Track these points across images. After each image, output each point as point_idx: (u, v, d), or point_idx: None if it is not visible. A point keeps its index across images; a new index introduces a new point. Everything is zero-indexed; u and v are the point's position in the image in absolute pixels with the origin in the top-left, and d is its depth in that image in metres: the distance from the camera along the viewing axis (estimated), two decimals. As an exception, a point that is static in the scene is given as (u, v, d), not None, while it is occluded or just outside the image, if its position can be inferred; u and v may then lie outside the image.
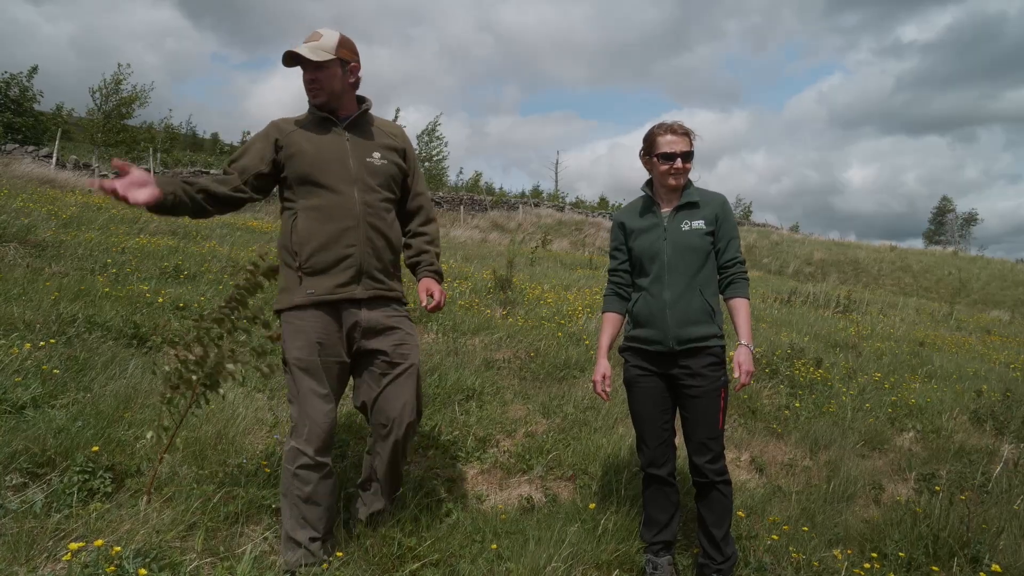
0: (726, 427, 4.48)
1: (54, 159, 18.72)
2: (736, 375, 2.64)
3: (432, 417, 3.95)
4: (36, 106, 23.79)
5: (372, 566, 2.49)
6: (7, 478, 2.58)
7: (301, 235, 2.52)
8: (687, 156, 2.70)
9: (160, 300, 5.23)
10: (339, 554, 2.48)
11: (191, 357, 2.60)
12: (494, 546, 2.66)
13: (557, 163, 61.17)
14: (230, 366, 2.61)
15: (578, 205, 40.06)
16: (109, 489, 2.65)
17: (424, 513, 2.89)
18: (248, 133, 36.74)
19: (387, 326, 2.60)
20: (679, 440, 2.82)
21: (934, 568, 2.93)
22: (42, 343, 3.86)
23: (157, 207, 2.37)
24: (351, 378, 2.68)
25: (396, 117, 33.52)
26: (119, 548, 2.17)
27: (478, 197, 32.59)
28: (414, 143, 2.82)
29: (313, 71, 2.55)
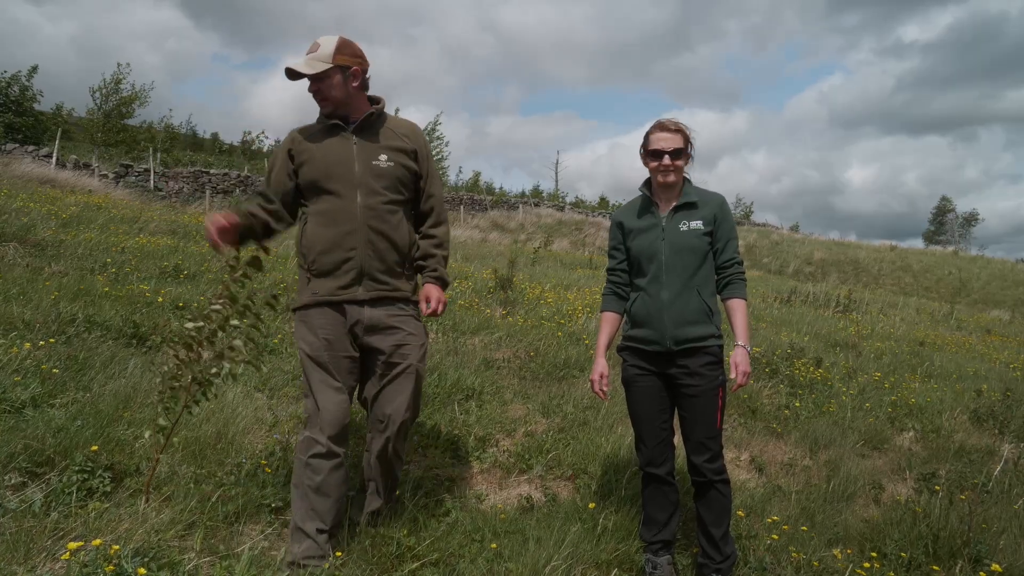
0: (725, 427, 4.50)
1: (54, 159, 18.71)
2: (732, 376, 2.63)
3: (432, 416, 3.95)
4: (36, 106, 23.78)
5: (371, 566, 2.49)
6: (6, 477, 2.57)
7: (308, 239, 2.61)
8: (676, 153, 2.68)
9: (160, 300, 5.24)
10: (338, 554, 2.48)
11: (185, 357, 2.60)
12: (494, 545, 2.66)
13: (557, 163, 61.29)
14: (226, 365, 2.61)
15: (578, 205, 40.06)
16: (108, 488, 2.65)
17: (423, 513, 2.89)
18: (249, 133, 36.70)
19: (388, 325, 2.61)
20: (678, 439, 2.81)
21: (934, 568, 2.92)
22: (42, 342, 3.86)
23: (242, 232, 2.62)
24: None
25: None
26: (118, 547, 2.16)
27: (478, 197, 32.58)
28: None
29: (314, 83, 2.59)
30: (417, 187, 2.75)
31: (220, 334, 2.58)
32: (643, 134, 2.81)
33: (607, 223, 30.91)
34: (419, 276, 2.80)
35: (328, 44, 2.56)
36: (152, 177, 21.71)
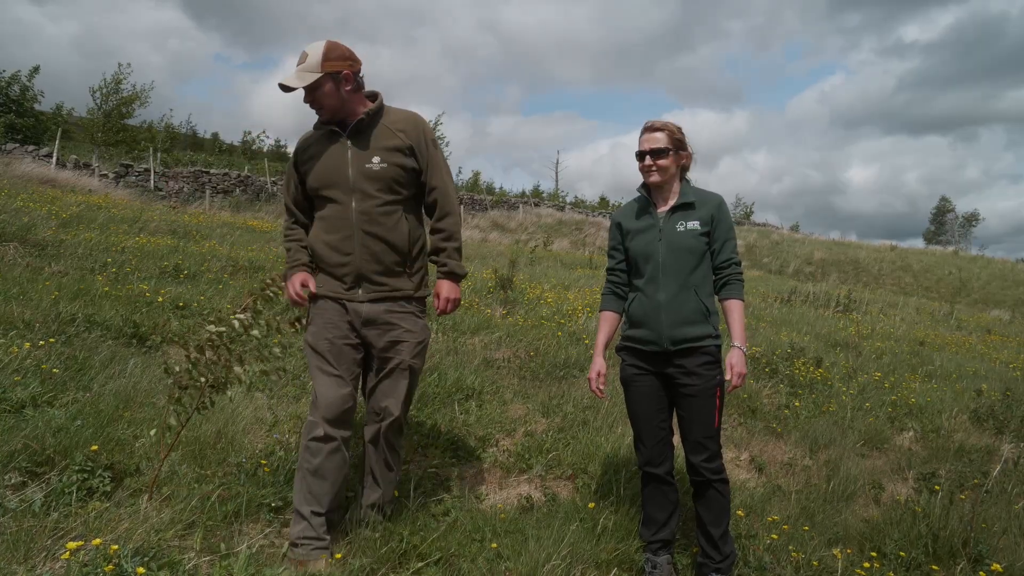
0: (725, 426, 4.50)
1: (54, 159, 18.71)
2: (728, 377, 2.63)
3: (432, 416, 3.95)
4: (36, 106, 23.78)
5: (377, 562, 2.49)
6: (6, 477, 2.57)
7: (312, 244, 2.72)
8: (657, 153, 2.69)
9: (160, 299, 5.23)
10: (338, 556, 2.48)
11: (202, 359, 2.61)
12: (494, 545, 2.66)
13: (557, 163, 61.35)
14: (238, 369, 2.62)
15: (578, 205, 40.05)
16: (108, 488, 2.65)
17: (423, 512, 2.90)
18: (249, 133, 36.72)
19: (385, 321, 2.65)
20: (677, 439, 2.82)
21: (934, 567, 2.92)
22: (41, 342, 3.86)
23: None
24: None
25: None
26: (117, 547, 2.16)
27: (478, 197, 32.56)
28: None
29: (307, 94, 2.60)
30: (418, 182, 2.74)
31: (238, 341, 2.62)
32: None
33: (607, 223, 30.88)
34: (431, 267, 2.83)
35: (315, 53, 2.56)
36: (152, 177, 21.71)
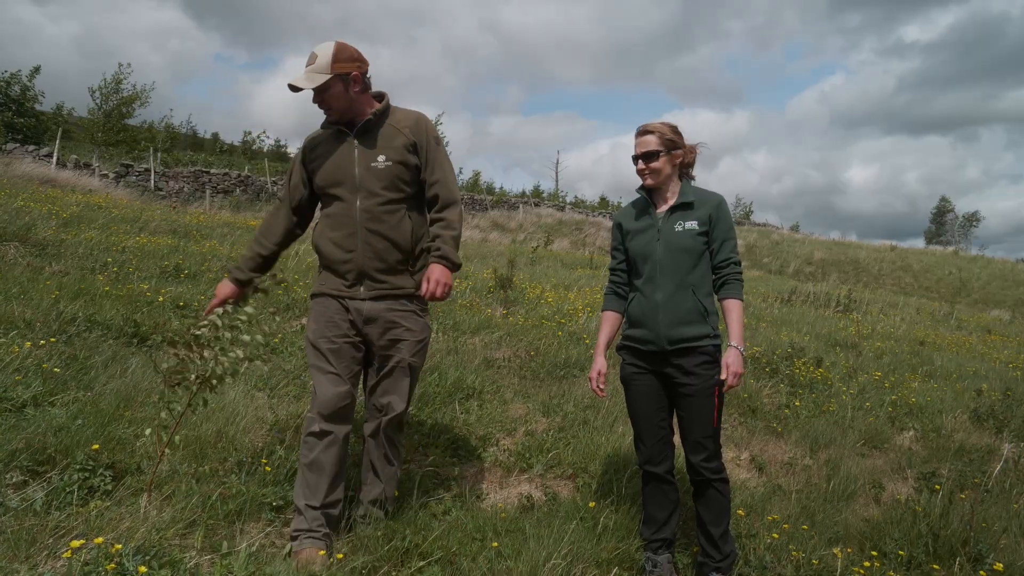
0: (725, 426, 4.50)
1: (54, 159, 18.72)
2: (723, 376, 2.62)
3: (432, 416, 3.95)
4: (37, 106, 23.79)
5: (379, 560, 2.49)
6: (7, 476, 2.58)
7: (317, 242, 2.76)
8: (648, 156, 2.71)
9: (160, 299, 5.24)
10: (339, 556, 2.48)
11: (190, 356, 2.61)
12: (495, 544, 2.67)
13: (557, 163, 61.38)
14: (224, 361, 2.63)
15: (578, 205, 40.06)
16: (109, 487, 2.65)
17: (424, 511, 2.90)
18: (249, 133, 36.76)
19: (386, 319, 2.68)
20: (677, 439, 2.82)
21: (934, 567, 2.93)
22: (42, 342, 3.86)
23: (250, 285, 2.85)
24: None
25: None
26: (119, 546, 2.17)
27: (478, 197, 32.57)
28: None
29: (317, 95, 2.63)
30: (420, 179, 2.76)
31: (226, 335, 2.63)
32: None
33: (607, 223, 30.92)
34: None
35: (325, 54, 2.58)
36: (152, 177, 21.72)
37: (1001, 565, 2.87)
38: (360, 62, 2.65)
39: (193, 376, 2.61)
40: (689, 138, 2.83)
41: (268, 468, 2.99)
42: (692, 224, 2.70)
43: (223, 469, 2.98)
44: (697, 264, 2.70)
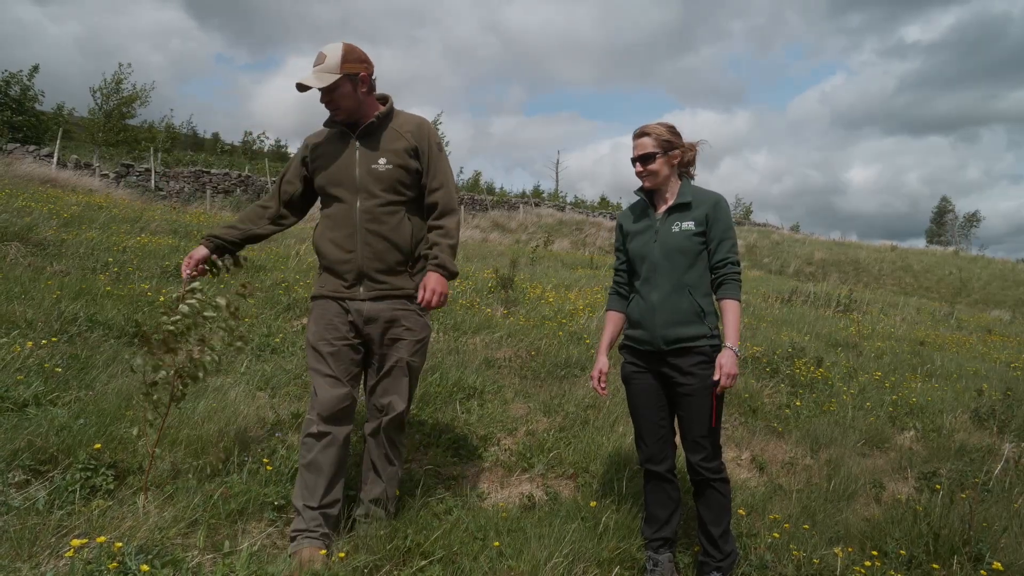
0: (726, 426, 4.51)
1: (55, 159, 18.72)
2: (716, 377, 2.60)
3: (433, 416, 3.96)
4: (37, 106, 23.80)
5: (381, 560, 2.50)
6: (10, 475, 2.58)
7: (317, 242, 2.77)
8: (645, 159, 2.72)
9: (161, 299, 5.24)
10: (340, 555, 2.48)
11: (163, 351, 2.62)
12: (496, 544, 2.67)
13: (558, 163, 61.33)
14: (208, 358, 2.64)
15: (579, 205, 40.06)
16: (111, 486, 2.66)
17: (425, 510, 2.90)
18: (250, 133, 36.80)
19: (386, 319, 2.69)
20: (678, 438, 2.82)
21: (935, 566, 2.93)
22: (44, 341, 3.87)
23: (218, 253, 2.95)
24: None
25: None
26: (121, 544, 2.17)
27: (479, 197, 32.58)
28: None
29: (325, 94, 2.65)
30: (420, 184, 2.78)
31: (194, 328, 2.64)
32: None
33: (607, 223, 30.93)
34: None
35: (334, 54, 2.60)
36: (153, 177, 21.73)
37: (1000, 564, 2.87)
38: (367, 63, 2.69)
39: (172, 372, 2.62)
40: (689, 139, 2.84)
41: (270, 467, 3.00)
42: (689, 225, 2.70)
43: (225, 468, 2.98)
44: (693, 265, 2.70)
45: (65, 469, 2.68)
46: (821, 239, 38.79)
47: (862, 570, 2.84)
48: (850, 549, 3.08)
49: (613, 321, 2.92)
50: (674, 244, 2.69)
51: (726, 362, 2.59)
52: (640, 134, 2.75)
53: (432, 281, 2.66)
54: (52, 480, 2.60)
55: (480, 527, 2.82)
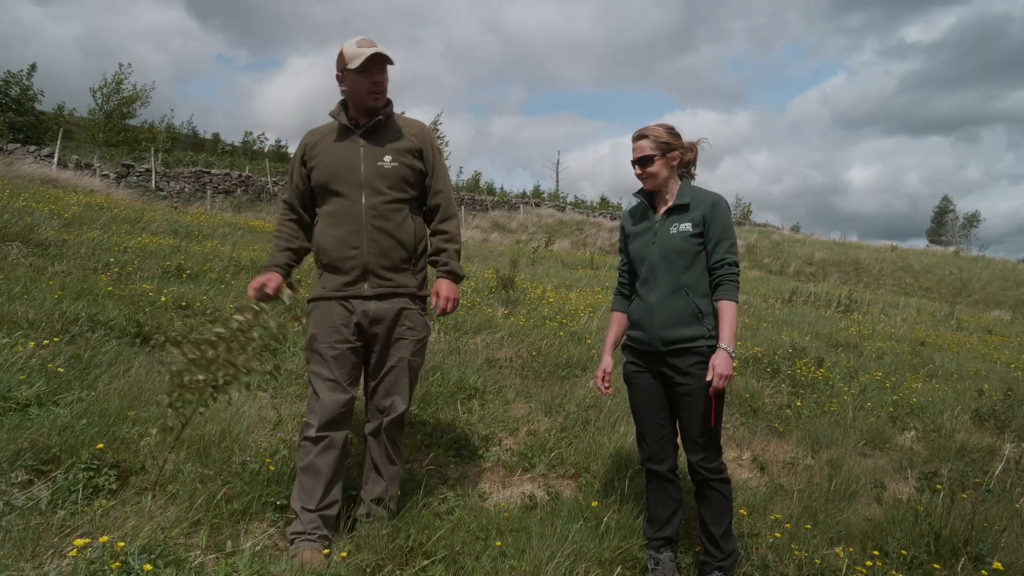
0: (727, 426, 4.51)
1: (56, 159, 18.73)
2: (708, 377, 2.59)
3: (435, 416, 3.96)
4: (37, 106, 23.82)
5: (384, 559, 2.50)
6: (13, 475, 2.58)
7: (319, 239, 2.75)
8: (644, 161, 2.73)
9: (163, 299, 5.25)
10: (343, 555, 2.49)
11: (202, 358, 2.62)
12: (498, 543, 2.67)
13: (558, 163, 61.38)
14: (245, 376, 2.65)
15: (579, 205, 40.07)
16: (114, 486, 2.66)
17: (427, 510, 2.90)
18: (250, 133, 36.81)
19: (391, 318, 2.70)
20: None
21: (936, 566, 2.93)
22: (46, 341, 3.88)
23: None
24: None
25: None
26: (124, 544, 2.17)
27: (479, 197, 32.59)
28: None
29: (381, 74, 2.70)
30: (423, 184, 2.82)
31: (238, 343, 2.64)
32: None
33: (608, 223, 30.95)
34: (430, 270, 2.87)
35: (378, 46, 2.68)
36: (153, 177, 21.73)
37: (1001, 564, 2.87)
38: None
39: (201, 378, 2.62)
40: (689, 139, 2.84)
41: (272, 468, 3.00)
42: (686, 226, 2.71)
43: (227, 469, 2.99)
44: (691, 266, 2.70)
45: (68, 469, 2.68)
46: (821, 239, 38.80)
47: (863, 570, 2.85)
48: (851, 549, 3.08)
49: (617, 321, 2.94)
50: (672, 245, 2.69)
51: (719, 363, 2.58)
52: (639, 137, 2.76)
53: (445, 288, 2.74)
54: (55, 480, 2.61)
55: (482, 527, 2.82)
